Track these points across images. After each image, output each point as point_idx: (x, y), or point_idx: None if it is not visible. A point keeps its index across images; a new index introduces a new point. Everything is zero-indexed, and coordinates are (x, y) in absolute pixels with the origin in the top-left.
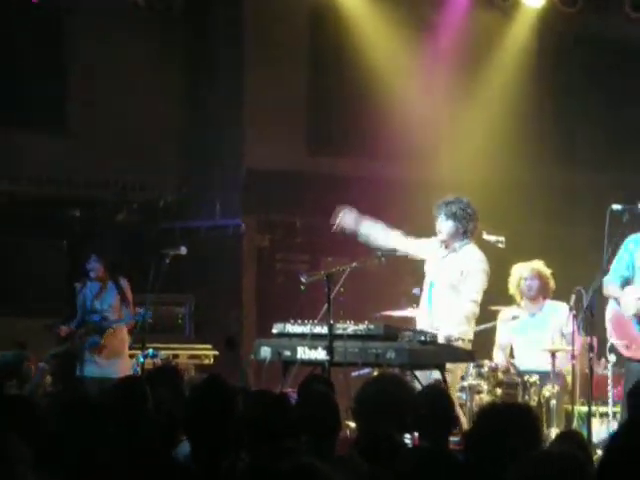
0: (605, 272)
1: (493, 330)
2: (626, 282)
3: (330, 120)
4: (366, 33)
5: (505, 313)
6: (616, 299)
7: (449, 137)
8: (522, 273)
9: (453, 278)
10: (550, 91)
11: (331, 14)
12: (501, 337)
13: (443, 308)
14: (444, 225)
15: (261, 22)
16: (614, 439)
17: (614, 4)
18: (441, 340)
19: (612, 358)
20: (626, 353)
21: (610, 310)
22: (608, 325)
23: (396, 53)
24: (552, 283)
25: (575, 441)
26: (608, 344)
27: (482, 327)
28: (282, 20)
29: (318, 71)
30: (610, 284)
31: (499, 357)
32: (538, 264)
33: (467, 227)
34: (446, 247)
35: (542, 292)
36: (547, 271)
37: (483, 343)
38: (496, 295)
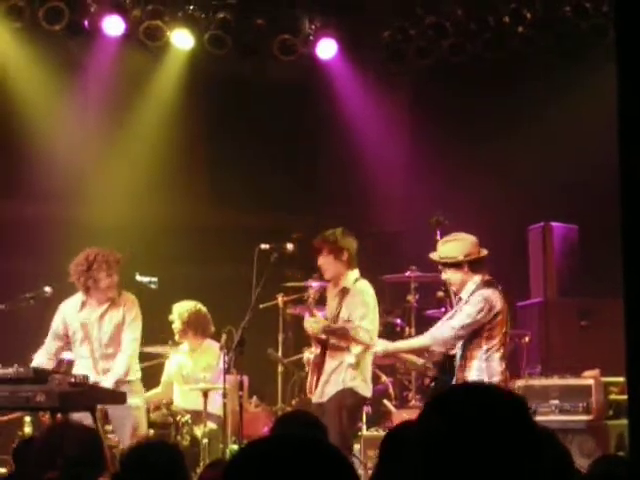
0: (254, 309)
1: (148, 370)
2: None
3: None
4: (13, 70)
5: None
6: None
7: (99, 178)
8: (172, 316)
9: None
10: (202, 133)
11: None
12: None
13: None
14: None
15: None
16: None
17: (263, 47)
18: (111, 384)
19: None
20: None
21: None
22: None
23: (44, 93)
24: (204, 322)
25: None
26: None
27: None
28: None
29: None
30: None
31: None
32: (184, 306)
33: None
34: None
35: (192, 332)
36: (191, 312)
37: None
38: (150, 335)
